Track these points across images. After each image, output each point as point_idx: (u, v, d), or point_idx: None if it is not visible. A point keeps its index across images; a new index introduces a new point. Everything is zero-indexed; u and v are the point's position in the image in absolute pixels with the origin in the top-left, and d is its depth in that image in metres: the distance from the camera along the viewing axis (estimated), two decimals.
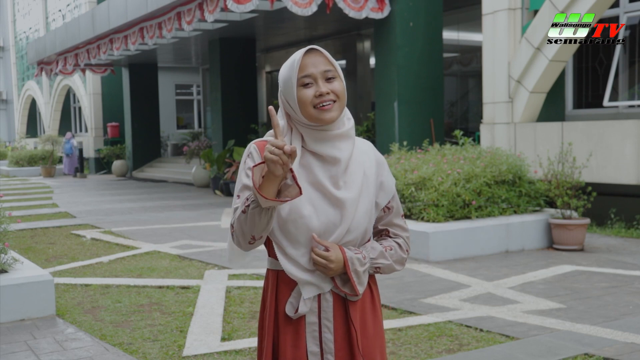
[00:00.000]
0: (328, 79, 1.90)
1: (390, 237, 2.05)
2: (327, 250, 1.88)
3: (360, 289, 1.92)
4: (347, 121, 1.96)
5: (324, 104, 1.87)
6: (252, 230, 1.82)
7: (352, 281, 1.90)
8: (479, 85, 12.81)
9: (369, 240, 2.01)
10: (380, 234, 2.06)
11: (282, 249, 1.92)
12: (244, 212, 1.81)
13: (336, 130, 1.92)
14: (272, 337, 1.97)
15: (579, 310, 4.90)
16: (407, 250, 2.05)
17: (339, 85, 1.91)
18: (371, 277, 2.02)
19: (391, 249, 2.01)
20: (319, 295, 1.93)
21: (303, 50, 1.91)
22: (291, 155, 1.71)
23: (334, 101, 1.89)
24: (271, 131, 2.01)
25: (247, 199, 1.81)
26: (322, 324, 1.93)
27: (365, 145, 2.03)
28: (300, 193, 1.77)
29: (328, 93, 1.88)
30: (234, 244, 1.95)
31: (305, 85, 1.89)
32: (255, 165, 1.76)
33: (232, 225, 1.90)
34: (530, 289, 5.55)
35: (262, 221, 1.81)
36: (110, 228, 9.53)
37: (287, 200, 1.76)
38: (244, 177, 1.92)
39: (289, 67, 1.91)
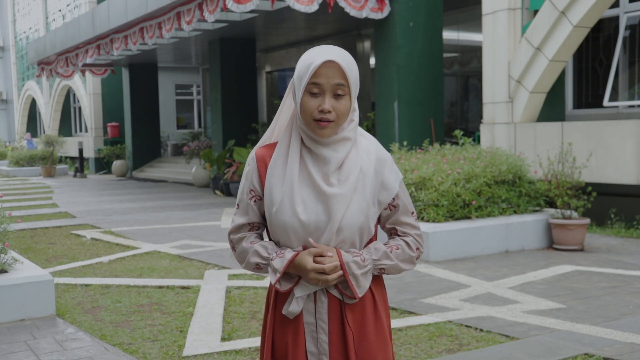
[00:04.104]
0: (337, 95, 1.87)
1: (399, 235, 2.01)
2: (322, 255, 1.88)
3: (360, 292, 1.91)
4: (348, 125, 1.93)
5: (322, 120, 1.86)
6: (254, 272, 2.05)
7: (350, 285, 1.89)
8: (479, 85, 12.81)
9: (371, 241, 1.99)
10: (389, 232, 2.03)
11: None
12: (254, 269, 2.00)
13: (333, 137, 1.91)
14: (271, 338, 1.98)
15: (579, 310, 4.90)
16: (417, 249, 2.00)
17: (344, 104, 1.87)
18: (374, 280, 1.99)
19: (397, 249, 1.97)
20: (315, 296, 1.93)
21: (323, 57, 1.84)
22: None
23: (332, 121, 1.87)
24: (267, 136, 2.06)
25: (259, 267, 1.98)
26: (318, 324, 1.93)
27: (368, 143, 1.98)
28: (289, 292, 1.94)
29: (329, 111, 1.85)
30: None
31: (313, 94, 1.86)
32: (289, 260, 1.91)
33: (232, 242, 2.04)
34: (530, 289, 5.55)
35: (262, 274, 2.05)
36: (110, 228, 9.53)
37: (280, 290, 1.94)
38: (246, 195, 2.01)
39: (305, 65, 1.87)
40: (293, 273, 1.91)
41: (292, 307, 1.91)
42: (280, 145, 1.96)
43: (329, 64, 1.85)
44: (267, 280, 5.93)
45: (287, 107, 2.01)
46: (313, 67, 1.84)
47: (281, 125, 2.03)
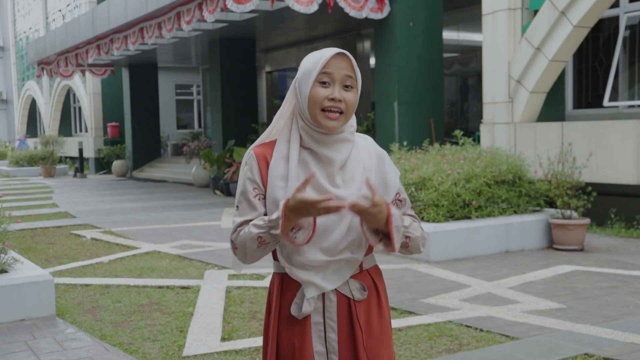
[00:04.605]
0: (346, 86, 1.89)
1: None
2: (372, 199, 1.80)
3: (397, 246, 1.87)
4: (348, 127, 1.95)
5: (332, 110, 1.87)
6: (259, 257, 1.92)
7: (392, 237, 1.83)
8: (479, 85, 12.81)
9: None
10: None
11: (283, 249, 1.93)
12: (258, 246, 1.87)
13: (335, 135, 1.92)
14: (276, 338, 1.97)
15: (579, 310, 4.90)
16: (423, 236, 2.02)
17: (353, 97, 1.90)
18: (378, 277, 2.02)
19: (416, 222, 2.00)
20: (323, 295, 1.93)
21: (333, 50, 1.89)
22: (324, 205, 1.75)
23: (341, 112, 1.88)
24: (265, 136, 2.02)
25: (262, 238, 1.85)
26: (326, 323, 1.93)
27: (365, 141, 2.02)
28: (309, 240, 1.83)
29: (340, 100, 1.87)
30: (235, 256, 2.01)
31: (322, 84, 1.88)
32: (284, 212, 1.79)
33: (233, 242, 1.94)
34: (530, 289, 5.55)
35: (269, 251, 1.91)
36: (110, 228, 9.53)
37: (296, 244, 1.83)
38: (249, 194, 1.93)
39: (314, 60, 1.90)
40: (297, 217, 1.79)
41: (305, 308, 1.90)
42: (279, 146, 1.95)
43: (340, 56, 1.89)
44: (267, 280, 5.93)
45: (288, 108, 2.01)
46: (325, 58, 1.87)
47: (280, 125, 2.02)
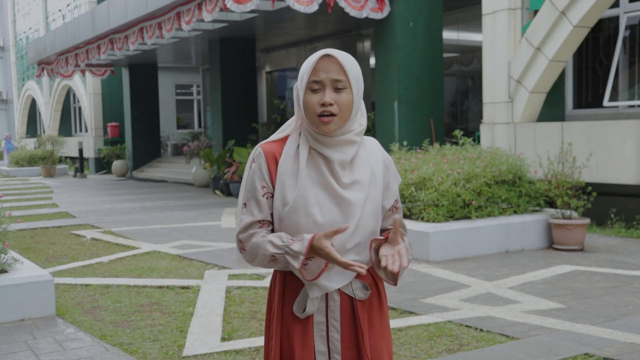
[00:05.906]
0: (337, 89, 1.89)
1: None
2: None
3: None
4: (355, 127, 1.95)
5: (325, 114, 1.87)
6: (268, 267, 1.96)
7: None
8: (479, 85, 12.81)
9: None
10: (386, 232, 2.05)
11: None
12: (269, 262, 1.90)
13: (339, 137, 1.92)
14: (279, 337, 1.98)
15: (579, 310, 4.90)
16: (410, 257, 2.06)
17: (346, 97, 1.89)
18: (377, 275, 2.02)
19: (405, 237, 2.03)
20: (326, 295, 1.94)
21: (320, 53, 1.90)
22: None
23: (335, 114, 1.88)
24: (280, 133, 2.02)
25: (275, 257, 1.88)
26: (330, 323, 1.94)
27: (372, 145, 2.03)
28: (316, 279, 1.89)
29: (331, 104, 1.87)
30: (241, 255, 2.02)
31: (314, 91, 1.89)
32: (308, 252, 1.84)
33: (242, 242, 1.94)
34: (530, 289, 5.55)
35: (278, 268, 1.94)
36: (110, 228, 9.53)
37: (305, 277, 1.89)
38: (257, 192, 1.94)
39: (304, 67, 1.92)
40: (316, 256, 1.86)
41: (309, 308, 1.92)
42: (289, 144, 1.96)
43: (327, 58, 1.89)
44: (267, 280, 5.93)
45: (298, 109, 2.02)
46: (312, 63, 1.89)
47: (296, 124, 2.02)
